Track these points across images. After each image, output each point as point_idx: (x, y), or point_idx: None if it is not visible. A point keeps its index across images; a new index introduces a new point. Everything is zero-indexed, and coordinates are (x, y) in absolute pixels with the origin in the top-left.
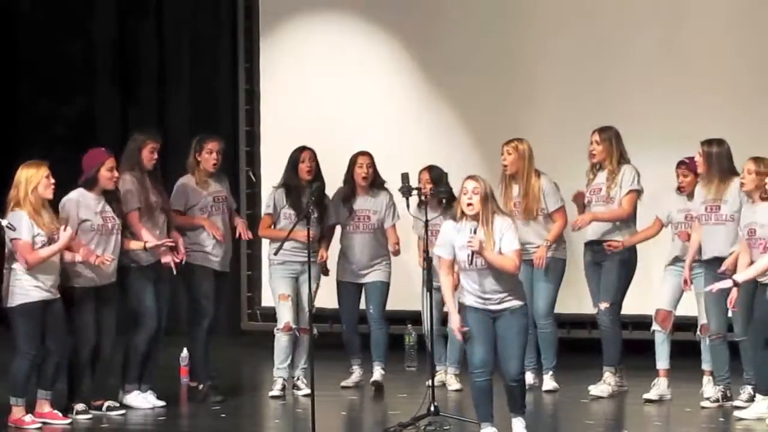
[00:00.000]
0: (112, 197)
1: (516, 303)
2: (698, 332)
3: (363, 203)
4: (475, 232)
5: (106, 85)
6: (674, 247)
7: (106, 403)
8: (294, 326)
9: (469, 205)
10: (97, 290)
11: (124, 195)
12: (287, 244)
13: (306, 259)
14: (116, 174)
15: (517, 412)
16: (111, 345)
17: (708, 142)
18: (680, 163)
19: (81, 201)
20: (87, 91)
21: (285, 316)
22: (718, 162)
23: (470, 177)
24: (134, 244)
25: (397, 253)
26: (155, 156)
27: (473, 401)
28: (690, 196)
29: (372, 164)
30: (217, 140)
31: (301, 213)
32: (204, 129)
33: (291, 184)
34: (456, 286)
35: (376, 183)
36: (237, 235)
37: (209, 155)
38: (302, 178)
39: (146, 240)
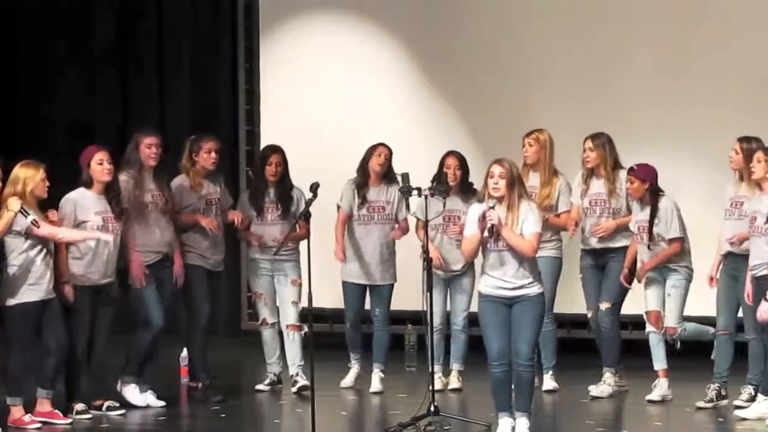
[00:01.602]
0: (113, 196)
1: (534, 290)
2: (664, 332)
3: (377, 194)
4: (493, 209)
5: (105, 85)
6: (641, 252)
7: (106, 403)
8: (271, 321)
9: (495, 188)
10: (94, 289)
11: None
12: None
13: (274, 257)
14: (107, 166)
15: (523, 410)
16: (104, 344)
17: (747, 139)
18: (630, 170)
19: (79, 201)
20: (86, 91)
21: (261, 312)
22: None
23: (496, 162)
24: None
25: (395, 236)
26: (154, 151)
27: (492, 391)
28: (642, 203)
29: (389, 156)
30: (214, 139)
31: (261, 213)
32: (204, 129)
33: (256, 185)
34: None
35: (389, 176)
36: (237, 222)
37: (208, 155)
38: (266, 180)
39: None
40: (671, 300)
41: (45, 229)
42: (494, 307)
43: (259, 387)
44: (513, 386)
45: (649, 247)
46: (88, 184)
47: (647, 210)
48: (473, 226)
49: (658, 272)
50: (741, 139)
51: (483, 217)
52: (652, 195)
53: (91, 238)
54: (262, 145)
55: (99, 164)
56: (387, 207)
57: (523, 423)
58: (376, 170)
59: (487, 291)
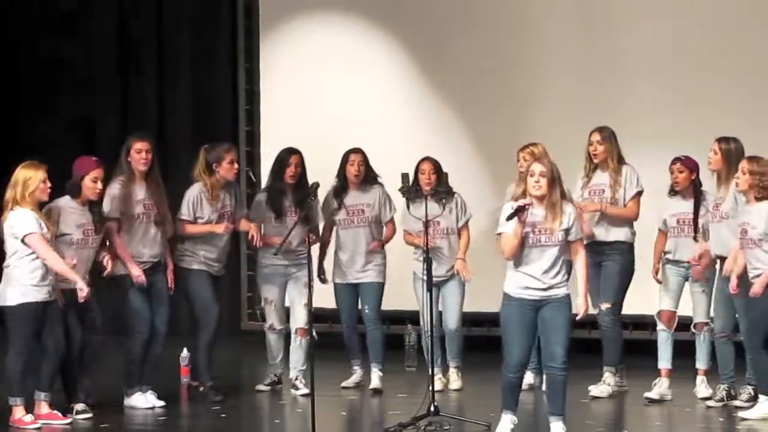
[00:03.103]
0: (97, 208)
1: (562, 291)
2: (692, 328)
3: (355, 198)
4: (530, 205)
5: (105, 86)
6: (669, 247)
7: (76, 407)
8: (278, 327)
9: (536, 186)
10: (72, 293)
11: (107, 201)
12: (272, 249)
13: (288, 262)
14: (100, 186)
15: (558, 413)
16: (93, 345)
17: (725, 140)
18: (676, 160)
19: (63, 212)
20: (86, 91)
21: (269, 318)
22: (736, 159)
23: (537, 160)
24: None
25: (378, 246)
26: (143, 156)
27: (501, 390)
28: (684, 195)
29: (364, 161)
30: (234, 147)
31: (281, 215)
32: (204, 129)
33: (274, 188)
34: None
35: (368, 179)
36: (254, 241)
37: (231, 166)
38: (285, 182)
39: (123, 254)
40: (705, 298)
41: (40, 247)
42: (521, 313)
43: (260, 387)
44: (546, 390)
45: (695, 239)
46: (75, 194)
47: (689, 202)
48: (507, 225)
49: (683, 270)
50: (719, 140)
51: (520, 210)
52: (696, 187)
53: (67, 275)
54: (262, 146)
55: (93, 182)
56: (367, 209)
57: (559, 428)
58: (352, 180)
59: (516, 293)
